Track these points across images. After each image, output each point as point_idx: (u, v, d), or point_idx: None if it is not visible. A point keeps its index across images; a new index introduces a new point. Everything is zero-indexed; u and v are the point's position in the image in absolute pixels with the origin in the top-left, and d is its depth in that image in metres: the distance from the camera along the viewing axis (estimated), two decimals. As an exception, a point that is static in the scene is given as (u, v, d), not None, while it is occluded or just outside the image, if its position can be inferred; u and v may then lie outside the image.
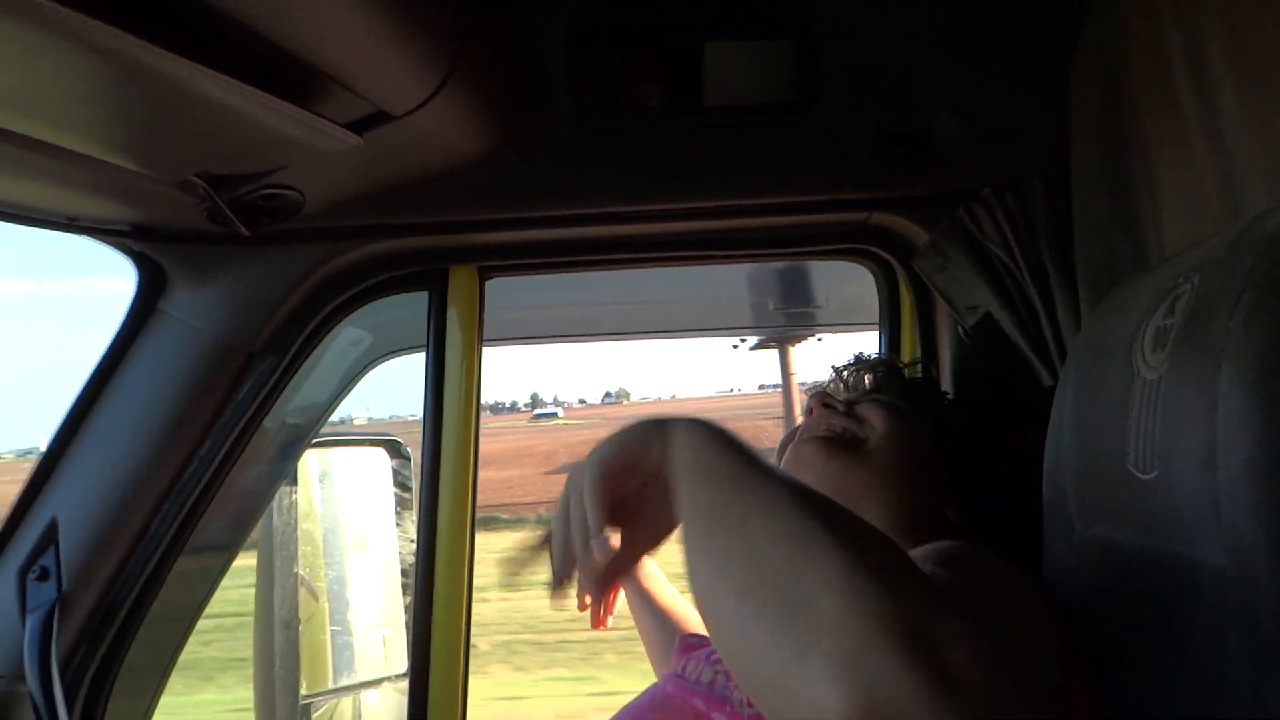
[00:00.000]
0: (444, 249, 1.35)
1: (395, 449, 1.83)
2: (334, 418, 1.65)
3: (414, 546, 1.36)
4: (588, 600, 1.05)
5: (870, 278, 1.47)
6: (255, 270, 1.25)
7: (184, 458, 1.24)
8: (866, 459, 1.01)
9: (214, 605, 1.44)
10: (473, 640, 1.36)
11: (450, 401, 1.34)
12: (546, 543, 0.74)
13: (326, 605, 1.66)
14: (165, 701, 1.39)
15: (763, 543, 0.55)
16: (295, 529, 1.63)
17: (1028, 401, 1.12)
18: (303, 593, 1.62)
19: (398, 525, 1.80)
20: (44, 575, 1.17)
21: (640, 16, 1.18)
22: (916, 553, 0.77)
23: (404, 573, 1.76)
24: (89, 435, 1.20)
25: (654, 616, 1.30)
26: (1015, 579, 0.75)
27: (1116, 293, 0.80)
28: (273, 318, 1.26)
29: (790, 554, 0.53)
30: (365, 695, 1.77)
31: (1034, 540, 0.87)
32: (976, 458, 1.05)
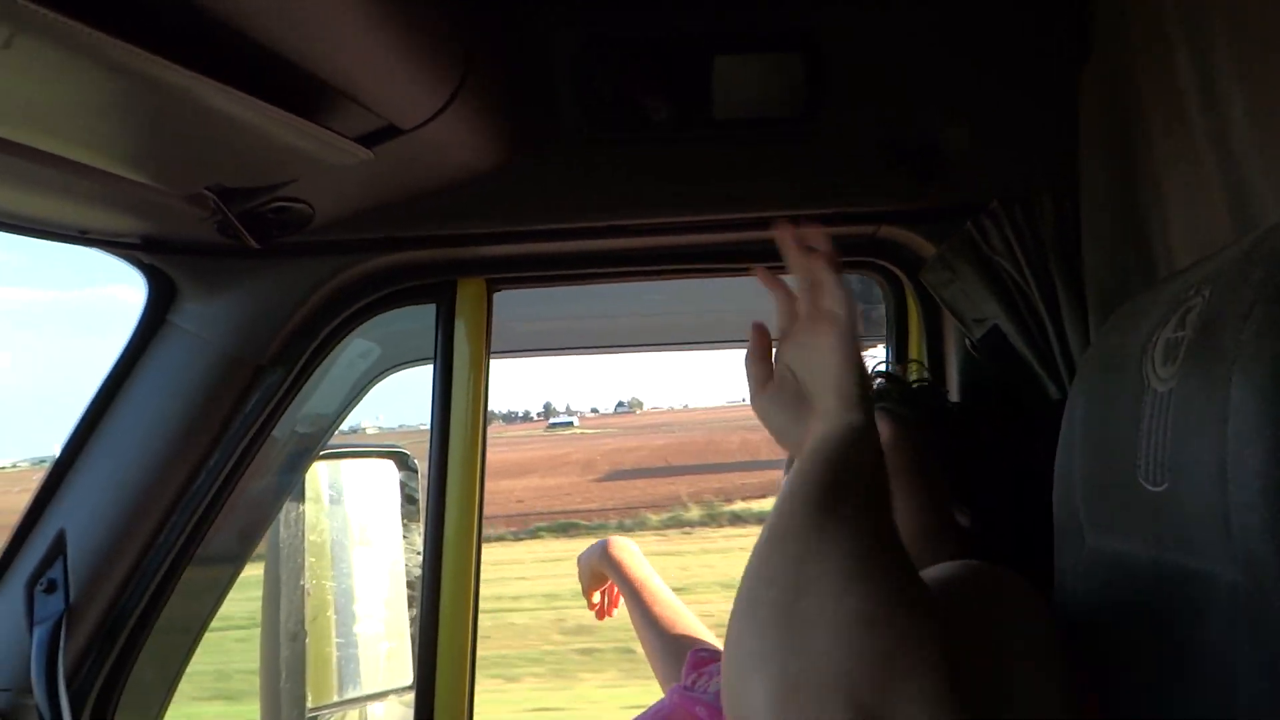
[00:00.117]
0: (452, 261, 1.35)
1: (403, 461, 1.83)
2: (344, 426, 1.65)
3: (420, 559, 1.36)
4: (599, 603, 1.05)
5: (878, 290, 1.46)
6: (265, 283, 1.25)
7: (192, 470, 1.24)
8: None
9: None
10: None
11: (457, 413, 1.35)
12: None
13: (333, 617, 1.66)
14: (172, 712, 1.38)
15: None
16: (303, 541, 1.63)
17: (1035, 414, 1.12)
18: (309, 603, 1.62)
19: (404, 538, 1.80)
20: (51, 587, 1.16)
21: (649, 30, 1.18)
22: (928, 574, 0.76)
23: (410, 585, 1.75)
24: (98, 447, 1.21)
25: (657, 636, 1.30)
26: (1013, 611, 0.72)
27: (1126, 305, 0.80)
28: (282, 330, 1.27)
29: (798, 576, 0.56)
30: (371, 707, 1.76)
31: (1045, 552, 0.87)
32: (979, 458, 1.04)
